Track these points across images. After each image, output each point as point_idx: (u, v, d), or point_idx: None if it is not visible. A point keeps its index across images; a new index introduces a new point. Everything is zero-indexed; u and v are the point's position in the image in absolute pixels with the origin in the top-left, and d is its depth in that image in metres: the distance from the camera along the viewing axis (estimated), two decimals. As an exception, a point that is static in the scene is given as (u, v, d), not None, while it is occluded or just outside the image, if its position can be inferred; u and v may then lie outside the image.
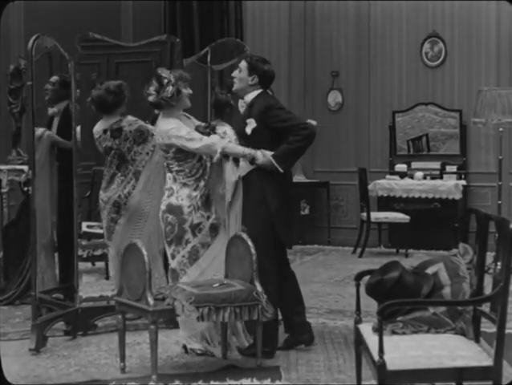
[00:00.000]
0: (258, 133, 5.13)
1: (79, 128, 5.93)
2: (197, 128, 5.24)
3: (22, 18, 9.24)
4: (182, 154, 5.09)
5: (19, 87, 7.07)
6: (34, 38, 5.35)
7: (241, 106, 5.31)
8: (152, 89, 5.12)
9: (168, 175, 5.22)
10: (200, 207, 5.13)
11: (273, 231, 5.14)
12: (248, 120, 5.16)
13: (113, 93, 5.99)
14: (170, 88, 5.08)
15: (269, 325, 4.97)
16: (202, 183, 5.17)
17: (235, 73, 5.29)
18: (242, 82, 5.25)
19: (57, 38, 5.61)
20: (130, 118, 6.00)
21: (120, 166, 5.99)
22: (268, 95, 5.30)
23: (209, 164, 5.21)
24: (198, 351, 5.17)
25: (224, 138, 5.19)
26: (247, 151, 5.12)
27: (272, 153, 5.09)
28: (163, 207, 5.17)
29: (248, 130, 5.15)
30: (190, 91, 5.23)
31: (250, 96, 5.24)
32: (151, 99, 5.13)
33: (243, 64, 5.25)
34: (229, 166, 5.22)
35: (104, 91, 5.98)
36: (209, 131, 5.24)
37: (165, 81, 5.09)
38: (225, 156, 5.16)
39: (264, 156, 5.10)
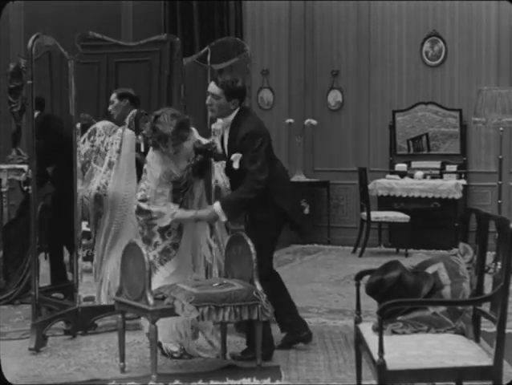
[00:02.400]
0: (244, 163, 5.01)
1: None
2: (194, 146, 5.12)
3: (22, 17, 9.25)
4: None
5: (19, 86, 7.06)
6: (34, 37, 5.34)
7: (223, 125, 5.16)
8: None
9: (144, 176, 5.19)
10: None
11: (277, 233, 5.14)
12: (233, 156, 5.00)
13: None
14: (144, 139, 5.15)
15: (264, 327, 4.94)
16: (179, 201, 5.15)
17: (210, 100, 5.05)
18: (223, 109, 5.05)
19: (57, 38, 5.60)
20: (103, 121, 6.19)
21: (97, 159, 6.04)
22: (248, 114, 5.12)
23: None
24: (175, 355, 5.11)
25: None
26: (193, 214, 5.06)
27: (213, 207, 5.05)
28: (135, 207, 5.17)
29: (235, 165, 5.00)
30: (170, 151, 5.01)
31: (232, 116, 5.08)
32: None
33: (217, 90, 5.02)
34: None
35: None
36: (210, 150, 5.12)
37: (144, 129, 5.09)
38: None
39: (206, 211, 5.07)
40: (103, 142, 6.01)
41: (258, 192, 4.97)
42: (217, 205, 4.99)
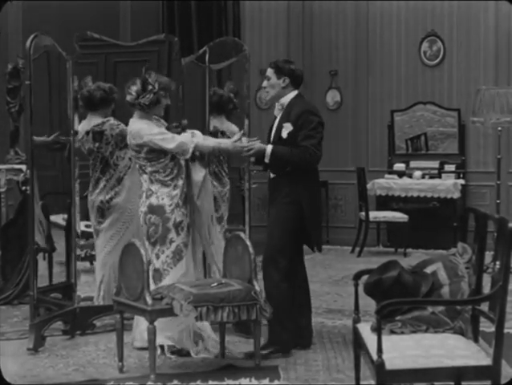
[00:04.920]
0: (293, 137, 5.09)
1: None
2: (167, 128, 5.22)
3: (21, 17, 9.24)
4: (154, 154, 5.07)
5: (17, 86, 7.06)
6: (32, 37, 5.34)
7: (278, 108, 5.26)
8: (133, 89, 5.12)
9: (144, 177, 5.17)
10: (181, 205, 5.13)
11: (298, 232, 5.13)
12: (285, 124, 5.13)
13: (103, 90, 6.03)
14: (151, 96, 5.08)
15: (273, 326, 4.96)
16: (180, 181, 5.15)
17: (265, 83, 5.25)
18: (274, 87, 5.21)
19: (55, 38, 5.60)
20: (113, 121, 6.06)
21: (104, 171, 6.06)
22: (305, 99, 5.30)
23: (183, 163, 5.18)
24: (173, 348, 5.12)
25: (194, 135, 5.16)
26: (220, 143, 5.15)
27: (261, 145, 5.11)
28: (144, 208, 5.14)
29: (284, 134, 5.12)
30: (169, 102, 5.21)
31: (287, 98, 5.21)
32: (128, 98, 5.14)
33: (269, 71, 5.22)
34: (196, 164, 5.20)
35: (95, 87, 6.03)
36: (180, 130, 5.22)
37: (149, 87, 5.09)
38: (192, 157, 5.14)
39: (254, 144, 5.11)
40: (112, 153, 5.98)
41: (307, 164, 5.07)
42: (269, 147, 5.08)
